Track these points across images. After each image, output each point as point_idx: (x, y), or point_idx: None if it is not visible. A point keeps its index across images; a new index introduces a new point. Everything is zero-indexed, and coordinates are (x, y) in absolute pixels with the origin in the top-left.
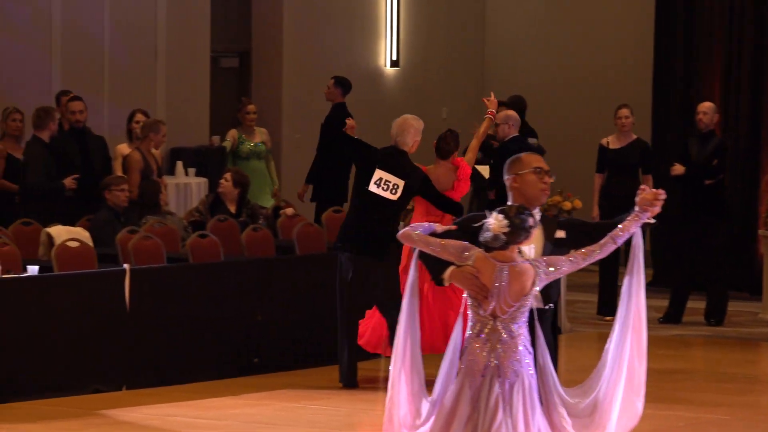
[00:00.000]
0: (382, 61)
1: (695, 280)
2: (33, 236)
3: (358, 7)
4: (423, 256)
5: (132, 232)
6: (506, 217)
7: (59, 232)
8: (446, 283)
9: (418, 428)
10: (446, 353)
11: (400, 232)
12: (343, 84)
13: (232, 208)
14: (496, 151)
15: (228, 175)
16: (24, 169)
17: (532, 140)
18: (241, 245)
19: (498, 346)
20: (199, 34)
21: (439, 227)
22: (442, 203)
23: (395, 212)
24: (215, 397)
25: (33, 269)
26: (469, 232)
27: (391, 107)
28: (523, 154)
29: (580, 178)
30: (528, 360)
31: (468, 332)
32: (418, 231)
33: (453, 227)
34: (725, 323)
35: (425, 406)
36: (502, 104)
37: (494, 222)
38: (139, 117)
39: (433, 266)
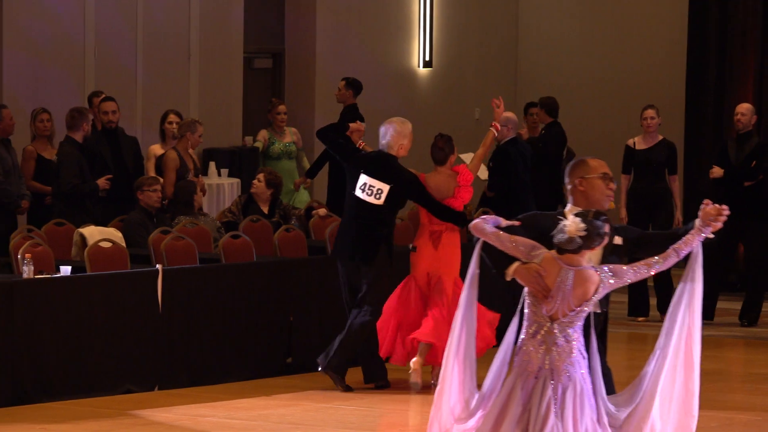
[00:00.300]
0: (414, 62)
1: (727, 280)
2: (66, 237)
3: (390, 7)
4: (486, 249)
5: (164, 232)
6: (584, 221)
7: (92, 233)
8: (508, 278)
9: (465, 420)
10: (499, 350)
11: (472, 222)
12: (354, 85)
13: (265, 209)
14: (494, 153)
15: (261, 176)
16: (57, 169)
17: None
18: (274, 246)
19: (553, 348)
20: (233, 35)
21: (503, 221)
22: (438, 211)
23: (383, 217)
24: (247, 398)
25: (66, 270)
26: (533, 230)
27: (423, 108)
28: (588, 158)
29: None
30: (582, 365)
31: (523, 332)
32: (489, 224)
33: (516, 223)
34: (758, 324)
35: (475, 398)
36: (532, 105)
37: (571, 225)
38: (172, 118)
39: (497, 259)
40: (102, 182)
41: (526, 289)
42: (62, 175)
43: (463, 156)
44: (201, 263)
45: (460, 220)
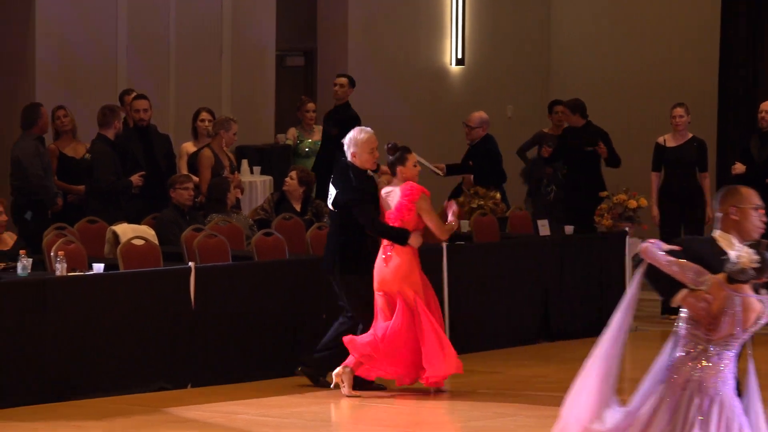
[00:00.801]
0: (447, 60)
1: None
2: (99, 234)
3: (423, 5)
4: (651, 273)
5: (197, 230)
6: (757, 252)
7: (125, 230)
8: (674, 304)
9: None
10: (651, 370)
11: (642, 246)
12: (353, 84)
13: (297, 207)
14: (471, 152)
15: (293, 174)
16: (91, 167)
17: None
18: (307, 243)
19: (704, 363)
20: (265, 33)
21: (664, 245)
22: (372, 227)
23: (342, 222)
24: (280, 395)
25: (98, 267)
26: (691, 255)
27: (456, 106)
28: (742, 188)
29: (646, 177)
30: (730, 385)
31: (679, 351)
32: (657, 247)
33: (677, 247)
34: None
35: (611, 412)
36: (557, 102)
37: (744, 256)
38: (204, 115)
39: (664, 285)
40: (135, 179)
41: (683, 311)
42: (97, 173)
43: (421, 160)
44: (233, 261)
45: (395, 237)
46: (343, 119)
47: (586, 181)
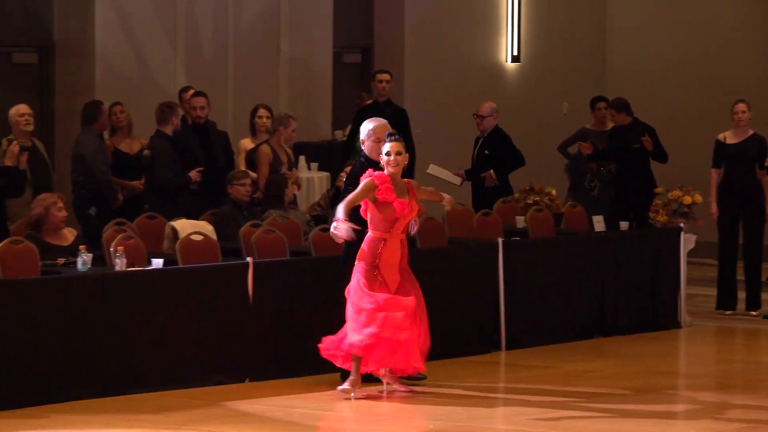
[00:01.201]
0: (503, 57)
1: None
2: (158, 230)
3: (478, 2)
4: None
5: (255, 225)
6: None
7: (183, 226)
8: None
9: None
10: None
11: None
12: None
13: None
14: (486, 143)
15: (348, 169)
16: (151, 163)
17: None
18: None
19: None
20: (322, 30)
21: None
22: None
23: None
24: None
25: (157, 262)
26: None
27: (511, 103)
28: None
29: (702, 173)
30: None
31: None
32: None
33: None
34: None
35: None
36: (599, 99)
37: None
38: (262, 112)
39: None
40: (194, 175)
41: None
42: (156, 169)
43: (436, 171)
44: (291, 256)
45: (336, 221)
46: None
47: (635, 179)
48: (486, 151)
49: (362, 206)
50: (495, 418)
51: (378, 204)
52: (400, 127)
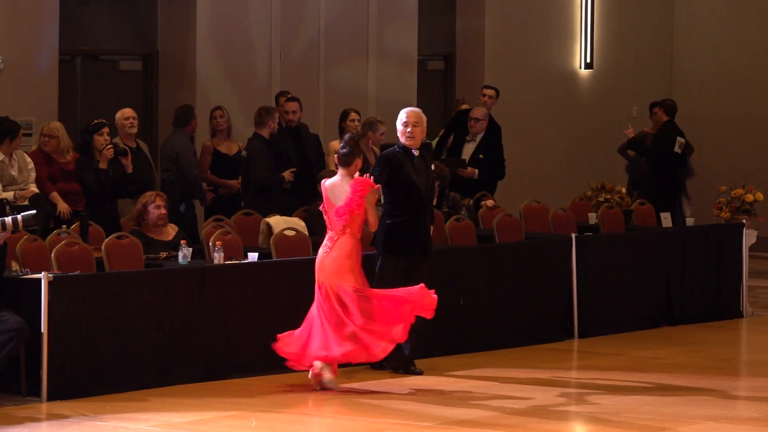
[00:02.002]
0: (577, 64)
1: None
2: (253, 226)
3: (553, 12)
4: None
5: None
6: None
7: (277, 222)
8: None
9: None
10: None
11: None
12: (498, 95)
13: (434, 201)
14: (482, 145)
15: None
16: (248, 164)
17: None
18: (446, 234)
19: None
20: (407, 38)
21: None
22: None
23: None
24: (423, 375)
25: (253, 256)
26: None
27: (585, 107)
28: None
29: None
30: None
31: None
32: None
33: None
34: None
35: None
36: (656, 104)
37: None
38: (354, 116)
39: None
40: (287, 175)
41: None
42: (253, 169)
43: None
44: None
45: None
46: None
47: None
48: (481, 155)
49: (343, 210)
50: (569, 400)
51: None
52: (491, 139)
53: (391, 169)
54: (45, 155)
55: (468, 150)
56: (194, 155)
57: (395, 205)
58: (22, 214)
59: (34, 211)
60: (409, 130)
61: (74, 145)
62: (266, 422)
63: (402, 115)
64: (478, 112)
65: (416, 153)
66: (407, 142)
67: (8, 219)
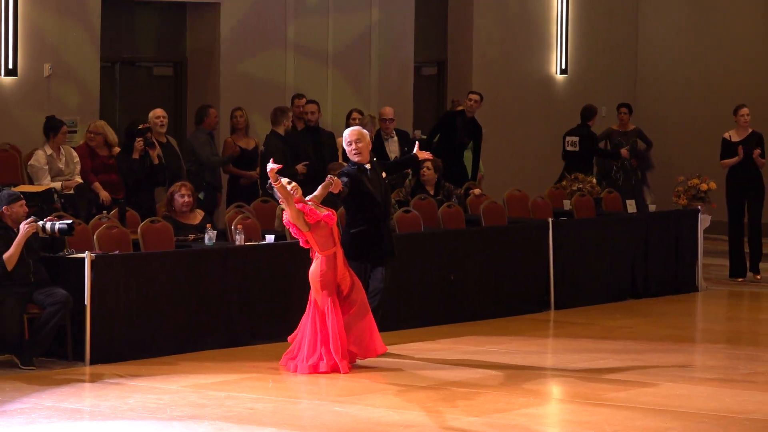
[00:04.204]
0: (553, 70)
1: None
2: (270, 211)
3: (532, 24)
4: None
5: None
6: None
7: None
8: None
9: None
10: None
11: None
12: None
13: (431, 190)
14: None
15: (429, 164)
16: (264, 158)
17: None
18: (438, 219)
19: None
20: (404, 48)
21: None
22: None
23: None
24: (418, 341)
25: (270, 238)
26: None
27: (560, 108)
28: None
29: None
30: None
31: None
32: None
33: None
34: None
35: None
36: (623, 105)
37: None
38: (355, 115)
39: None
40: (300, 168)
41: None
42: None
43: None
44: None
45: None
46: (473, 131)
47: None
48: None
49: (300, 240)
50: (545, 364)
51: (314, 228)
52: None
53: (351, 182)
54: (90, 150)
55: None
56: (207, 144)
57: (356, 216)
58: (59, 222)
59: (71, 221)
60: (353, 147)
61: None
62: (281, 383)
63: (345, 135)
64: (389, 113)
65: (368, 167)
66: (356, 158)
67: (48, 225)
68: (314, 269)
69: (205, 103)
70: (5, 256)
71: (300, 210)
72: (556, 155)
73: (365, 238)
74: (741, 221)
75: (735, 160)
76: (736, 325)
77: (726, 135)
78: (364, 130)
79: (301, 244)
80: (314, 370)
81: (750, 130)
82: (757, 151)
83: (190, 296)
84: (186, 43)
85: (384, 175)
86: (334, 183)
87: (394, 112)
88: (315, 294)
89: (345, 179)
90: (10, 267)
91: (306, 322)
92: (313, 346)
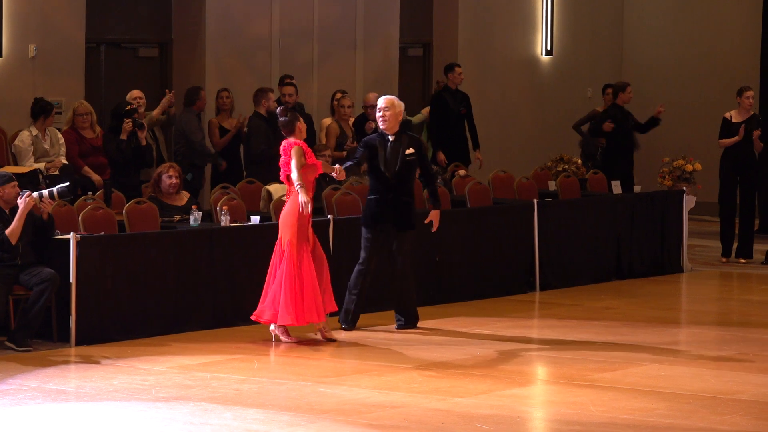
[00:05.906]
0: (538, 51)
1: None
2: (255, 193)
3: (518, 5)
4: None
5: (335, 189)
6: None
7: (276, 189)
8: None
9: None
10: None
11: None
12: None
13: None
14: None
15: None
16: (248, 138)
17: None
18: (423, 200)
19: None
20: (390, 28)
21: None
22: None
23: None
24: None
25: (255, 219)
26: None
27: (545, 89)
28: None
29: (702, 146)
30: None
31: None
32: None
33: None
34: None
35: None
36: (608, 86)
37: None
38: (338, 95)
39: None
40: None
41: None
42: (252, 143)
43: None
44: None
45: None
46: (463, 100)
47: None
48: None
49: (282, 171)
50: (532, 344)
51: (306, 167)
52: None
53: (369, 152)
54: (76, 134)
55: None
56: (199, 129)
57: (371, 184)
58: (57, 186)
59: (67, 183)
60: (381, 114)
61: (105, 124)
62: (266, 364)
63: (379, 101)
64: (372, 99)
65: (392, 138)
66: (382, 126)
67: (45, 192)
68: (290, 207)
69: (192, 85)
70: (8, 231)
71: (306, 150)
72: (541, 135)
73: (372, 206)
74: (733, 201)
75: (735, 139)
76: (721, 305)
77: (727, 115)
78: (398, 101)
79: (281, 177)
80: (279, 320)
81: (752, 112)
82: (757, 132)
83: (175, 278)
84: (172, 24)
85: (412, 150)
86: (338, 172)
87: (377, 98)
88: (286, 233)
89: (349, 163)
90: (14, 241)
91: (275, 271)
92: (285, 297)
